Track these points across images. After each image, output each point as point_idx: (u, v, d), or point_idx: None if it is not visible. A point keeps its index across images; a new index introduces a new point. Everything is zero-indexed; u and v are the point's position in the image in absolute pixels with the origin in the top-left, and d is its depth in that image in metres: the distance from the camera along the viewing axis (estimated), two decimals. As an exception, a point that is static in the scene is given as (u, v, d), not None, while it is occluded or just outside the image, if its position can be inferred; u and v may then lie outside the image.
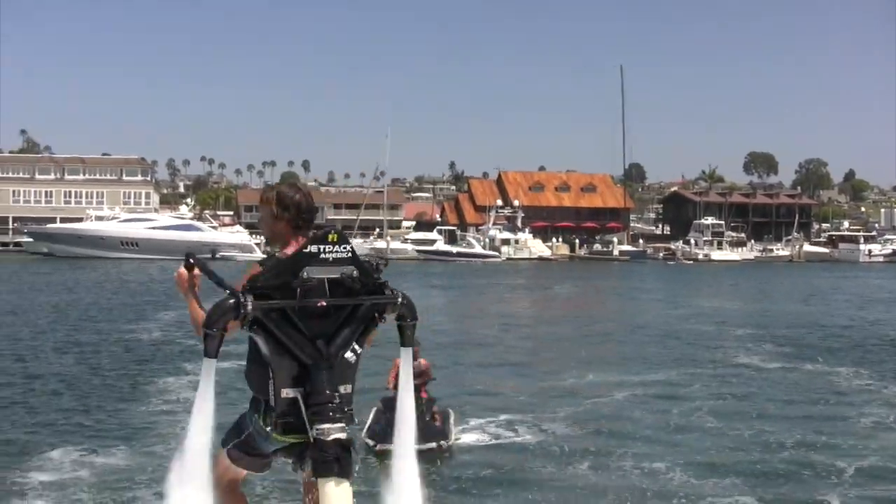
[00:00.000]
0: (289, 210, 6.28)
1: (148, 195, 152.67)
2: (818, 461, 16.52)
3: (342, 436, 5.91)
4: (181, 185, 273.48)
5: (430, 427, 17.10)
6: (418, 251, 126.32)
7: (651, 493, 14.46)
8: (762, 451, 17.34)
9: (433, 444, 16.79)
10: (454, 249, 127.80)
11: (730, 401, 23.03)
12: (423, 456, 16.35)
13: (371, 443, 16.40)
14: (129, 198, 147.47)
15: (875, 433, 19.02)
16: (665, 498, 14.16)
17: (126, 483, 14.32)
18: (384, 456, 16.38)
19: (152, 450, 16.43)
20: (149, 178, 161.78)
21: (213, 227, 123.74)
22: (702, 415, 20.91)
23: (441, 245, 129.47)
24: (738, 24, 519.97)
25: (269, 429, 6.06)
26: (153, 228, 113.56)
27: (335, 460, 5.84)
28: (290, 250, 6.09)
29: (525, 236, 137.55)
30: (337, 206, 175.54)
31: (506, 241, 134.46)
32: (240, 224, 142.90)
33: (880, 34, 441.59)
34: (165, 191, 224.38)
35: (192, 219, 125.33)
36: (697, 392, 24.12)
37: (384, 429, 16.41)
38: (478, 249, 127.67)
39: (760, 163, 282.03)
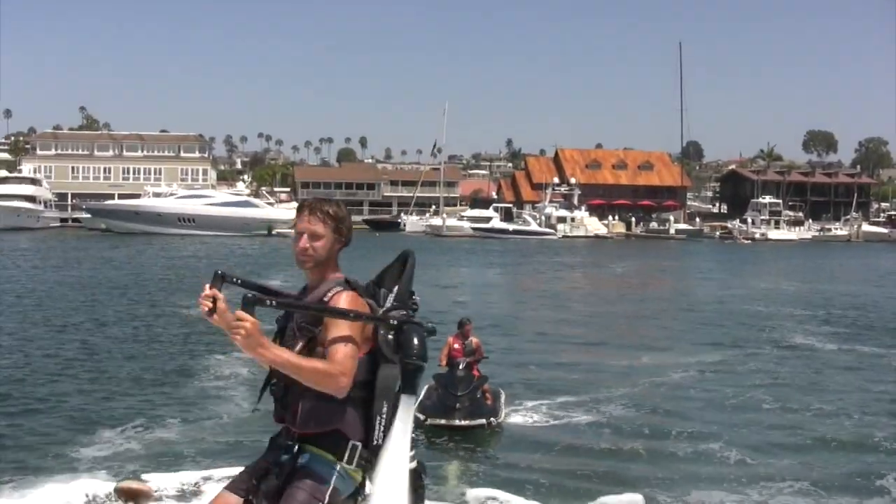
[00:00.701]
0: (348, 235, 5.72)
1: (205, 172, 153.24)
2: (877, 447, 16.44)
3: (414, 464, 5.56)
4: (238, 161, 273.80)
5: (480, 404, 17.38)
6: (474, 228, 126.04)
7: (705, 475, 14.47)
8: (820, 435, 17.27)
9: (482, 421, 17.04)
10: (510, 227, 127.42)
11: (786, 382, 22.98)
12: (472, 433, 16.72)
13: (422, 417, 16.84)
14: (187, 174, 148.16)
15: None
16: (720, 480, 14.17)
17: (173, 458, 14.49)
18: (433, 430, 16.73)
19: (202, 425, 16.71)
20: (206, 155, 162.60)
21: (270, 204, 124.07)
22: (758, 395, 20.88)
23: (497, 222, 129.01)
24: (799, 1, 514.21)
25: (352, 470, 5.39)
26: (210, 205, 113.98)
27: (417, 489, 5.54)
28: (338, 275, 5.59)
29: (581, 214, 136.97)
30: (394, 183, 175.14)
31: (562, 219, 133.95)
32: (296, 201, 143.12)
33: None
34: (222, 167, 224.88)
35: (248, 195, 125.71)
36: (754, 373, 24.08)
37: (435, 404, 16.93)
38: (534, 227, 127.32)
39: (819, 141, 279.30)
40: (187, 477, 12.89)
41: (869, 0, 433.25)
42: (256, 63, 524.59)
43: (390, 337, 5.32)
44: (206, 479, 12.76)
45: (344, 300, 5.31)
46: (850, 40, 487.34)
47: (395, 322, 5.36)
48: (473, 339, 18.05)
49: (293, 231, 5.60)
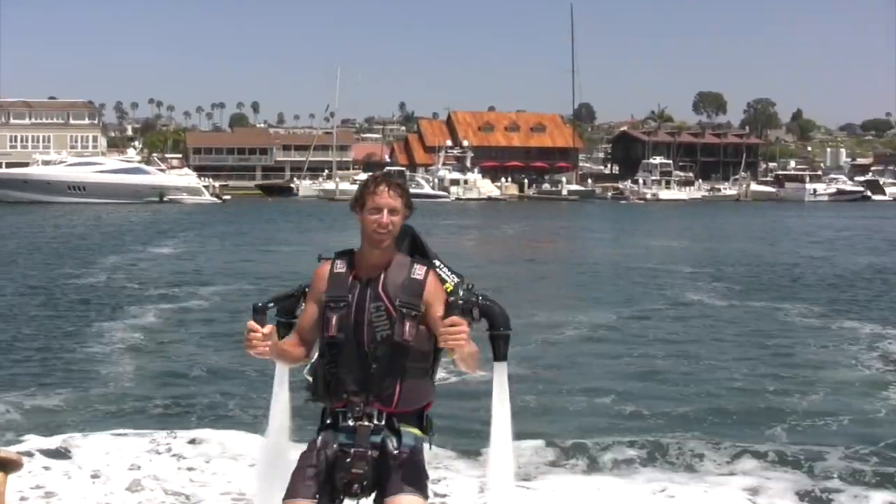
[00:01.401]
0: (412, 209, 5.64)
1: (95, 139, 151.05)
2: (767, 396, 16.65)
3: None
4: (129, 128, 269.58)
5: None
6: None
7: (601, 426, 14.55)
8: (712, 385, 17.42)
9: None
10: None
11: (679, 337, 23.21)
12: None
13: (311, 379, 16.63)
14: (76, 142, 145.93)
15: (822, 369, 19.21)
16: (613, 431, 14.26)
17: (57, 424, 14.08)
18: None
19: (87, 393, 16.35)
20: (96, 122, 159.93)
21: (161, 170, 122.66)
22: (651, 350, 21.05)
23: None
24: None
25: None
26: (100, 172, 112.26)
27: None
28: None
29: (474, 176, 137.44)
30: (286, 148, 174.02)
31: (455, 182, 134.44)
32: (188, 167, 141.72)
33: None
34: (113, 134, 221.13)
35: (139, 162, 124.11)
36: (647, 329, 24.27)
37: None
38: (427, 190, 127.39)
39: (709, 102, 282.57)
40: (67, 441, 12.55)
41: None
42: (146, 28, 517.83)
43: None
44: (85, 444, 12.51)
45: (434, 276, 5.46)
46: (739, 3, 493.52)
47: (479, 297, 5.48)
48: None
49: (371, 207, 5.43)
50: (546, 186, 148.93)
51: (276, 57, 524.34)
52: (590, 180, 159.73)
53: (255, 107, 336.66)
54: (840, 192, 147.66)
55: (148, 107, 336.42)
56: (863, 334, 23.39)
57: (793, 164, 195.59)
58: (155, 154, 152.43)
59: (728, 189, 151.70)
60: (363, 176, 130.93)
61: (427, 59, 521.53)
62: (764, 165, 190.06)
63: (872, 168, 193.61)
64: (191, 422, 14.47)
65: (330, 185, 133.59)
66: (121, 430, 13.48)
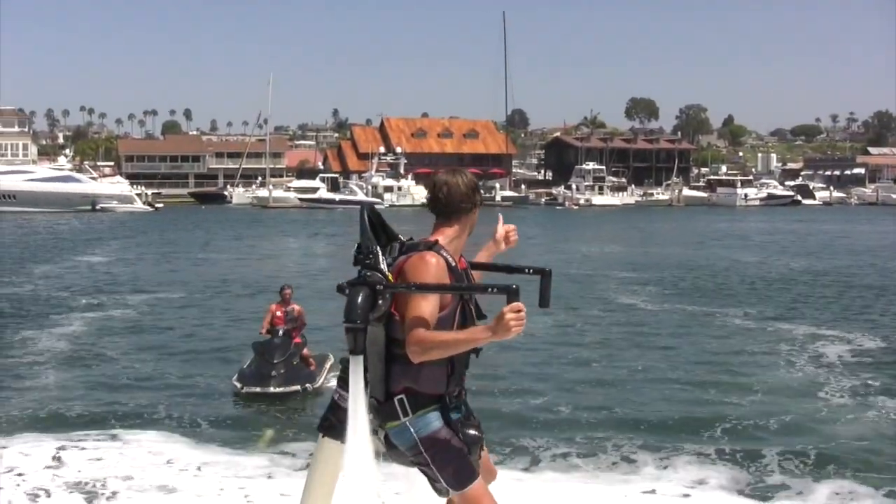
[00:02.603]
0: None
1: (25, 147, 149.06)
2: (704, 397, 16.73)
3: None
4: (60, 136, 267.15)
5: (297, 371, 17.46)
6: (301, 199, 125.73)
7: (536, 426, 14.52)
8: (649, 388, 17.50)
9: (297, 388, 17.09)
10: (336, 197, 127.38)
11: (614, 340, 23.27)
12: (288, 399, 16.74)
13: (238, 385, 17.05)
14: (6, 150, 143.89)
15: (757, 370, 19.32)
16: (547, 428, 14.26)
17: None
18: (249, 399, 16.70)
19: (8, 401, 16.23)
20: (26, 130, 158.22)
21: (93, 178, 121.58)
22: (587, 354, 21.11)
23: (324, 193, 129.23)
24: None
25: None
26: (31, 181, 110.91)
27: None
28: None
29: (408, 183, 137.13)
30: (219, 155, 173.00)
31: (388, 188, 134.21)
32: (120, 174, 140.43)
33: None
34: (44, 142, 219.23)
35: (71, 170, 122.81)
36: (582, 332, 24.38)
37: (252, 373, 17.29)
38: (360, 196, 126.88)
39: (641, 108, 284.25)
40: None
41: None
42: (77, 35, 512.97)
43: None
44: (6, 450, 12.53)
45: None
46: (670, 9, 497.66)
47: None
48: (295, 307, 18.00)
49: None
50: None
51: (209, 63, 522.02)
52: (523, 186, 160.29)
53: (188, 114, 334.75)
54: (771, 196, 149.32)
55: (79, 114, 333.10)
56: (797, 336, 23.61)
57: (724, 169, 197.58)
58: (87, 162, 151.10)
59: (661, 194, 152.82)
60: (297, 183, 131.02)
61: (360, 65, 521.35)
62: (696, 171, 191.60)
63: (802, 173, 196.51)
64: (112, 424, 14.62)
65: (263, 193, 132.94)
66: (42, 435, 13.54)
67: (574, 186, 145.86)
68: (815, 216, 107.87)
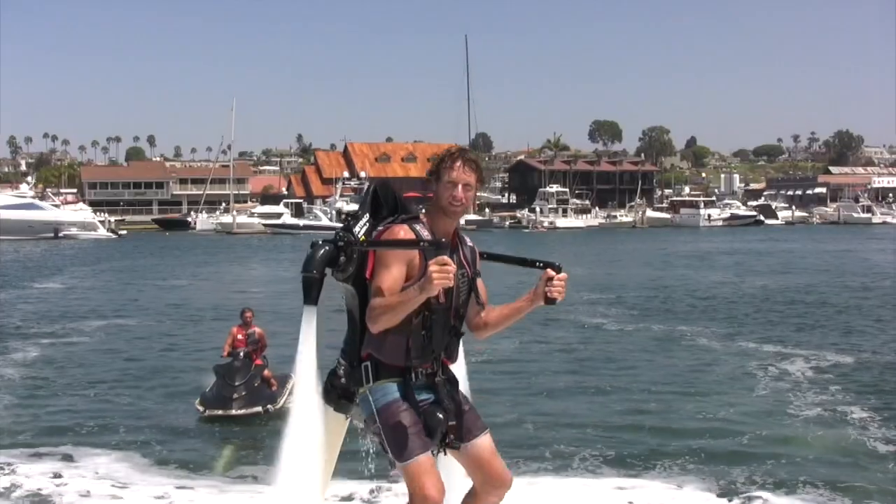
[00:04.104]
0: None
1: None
2: (670, 416, 16.75)
3: None
4: (23, 163, 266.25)
5: (259, 392, 17.44)
6: (265, 225, 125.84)
7: (503, 442, 14.42)
8: (612, 408, 17.51)
9: (258, 409, 17.06)
10: (301, 222, 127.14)
11: (581, 360, 23.31)
12: (249, 421, 16.68)
13: (201, 409, 17.06)
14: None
15: (722, 388, 19.40)
16: (516, 446, 14.19)
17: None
18: (212, 421, 16.67)
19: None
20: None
21: (56, 206, 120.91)
22: (553, 375, 21.10)
23: (288, 218, 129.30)
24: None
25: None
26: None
27: None
28: None
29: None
30: (183, 181, 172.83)
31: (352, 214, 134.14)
32: (83, 201, 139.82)
33: (718, 4, 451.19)
34: (6, 169, 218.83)
35: (33, 197, 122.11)
36: (549, 353, 24.34)
37: (214, 395, 17.32)
38: (325, 222, 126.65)
39: (605, 130, 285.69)
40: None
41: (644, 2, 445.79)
42: (41, 61, 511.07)
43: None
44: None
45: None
46: (632, 31, 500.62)
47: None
48: (257, 329, 17.95)
49: (447, 181, 5.81)
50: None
51: (173, 89, 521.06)
52: (487, 209, 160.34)
53: (152, 140, 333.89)
54: (734, 216, 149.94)
55: (42, 141, 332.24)
56: (762, 353, 23.71)
57: (687, 190, 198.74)
58: (49, 189, 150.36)
59: (624, 216, 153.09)
60: (261, 208, 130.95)
61: (324, 89, 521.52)
62: (659, 192, 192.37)
63: (765, 193, 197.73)
64: (71, 446, 14.67)
65: (227, 219, 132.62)
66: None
67: (538, 209, 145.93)
68: (778, 236, 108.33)
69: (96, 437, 15.40)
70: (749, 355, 23.57)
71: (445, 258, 5.32)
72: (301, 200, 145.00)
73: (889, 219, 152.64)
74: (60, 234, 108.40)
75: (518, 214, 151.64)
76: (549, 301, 5.97)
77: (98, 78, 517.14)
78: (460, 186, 5.79)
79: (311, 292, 5.82)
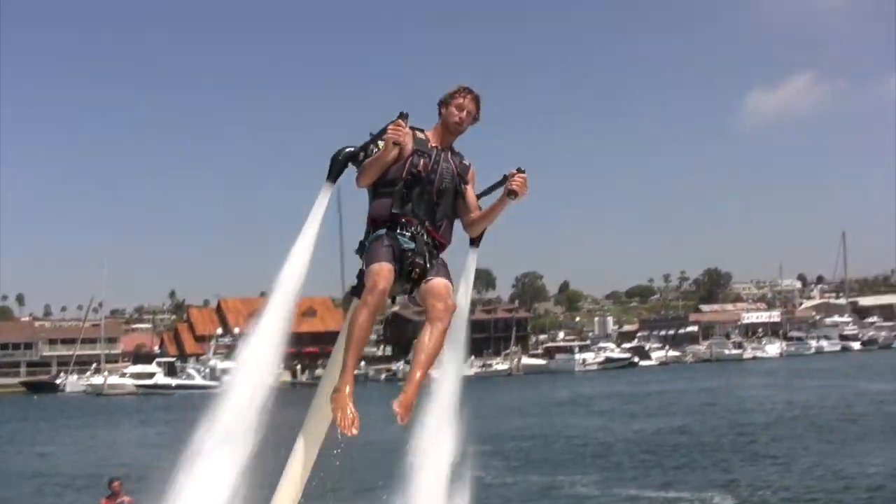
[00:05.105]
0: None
1: None
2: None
3: None
4: None
5: None
6: (137, 386, 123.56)
7: None
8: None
9: None
10: (174, 382, 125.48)
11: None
12: None
13: None
14: None
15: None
16: None
17: None
18: None
19: None
20: None
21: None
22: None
23: (160, 378, 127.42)
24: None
25: None
26: None
27: None
28: None
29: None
30: (53, 342, 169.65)
31: (226, 371, 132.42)
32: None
33: (583, 147, 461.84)
34: None
35: None
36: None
37: None
38: (198, 381, 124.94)
39: (479, 279, 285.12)
40: None
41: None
42: None
43: None
44: None
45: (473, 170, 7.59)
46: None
47: None
48: (125, 499, 17.29)
49: (455, 104, 7.31)
50: (319, 371, 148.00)
51: (42, 246, 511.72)
52: (363, 363, 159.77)
53: (21, 299, 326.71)
54: (608, 360, 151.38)
55: None
56: (642, 500, 23.57)
57: (562, 335, 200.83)
58: None
59: (500, 364, 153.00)
60: (133, 368, 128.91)
61: (197, 245, 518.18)
62: (534, 338, 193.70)
63: (638, 334, 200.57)
64: None
65: (98, 380, 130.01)
66: None
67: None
68: (651, 377, 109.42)
69: None
70: (632, 501, 23.46)
71: (401, 122, 7.01)
72: (174, 359, 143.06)
73: (759, 353, 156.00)
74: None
75: (394, 367, 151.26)
76: (511, 193, 7.26)
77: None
78: (465, 112, 7.38)
79: (333, 169, 7.54)
